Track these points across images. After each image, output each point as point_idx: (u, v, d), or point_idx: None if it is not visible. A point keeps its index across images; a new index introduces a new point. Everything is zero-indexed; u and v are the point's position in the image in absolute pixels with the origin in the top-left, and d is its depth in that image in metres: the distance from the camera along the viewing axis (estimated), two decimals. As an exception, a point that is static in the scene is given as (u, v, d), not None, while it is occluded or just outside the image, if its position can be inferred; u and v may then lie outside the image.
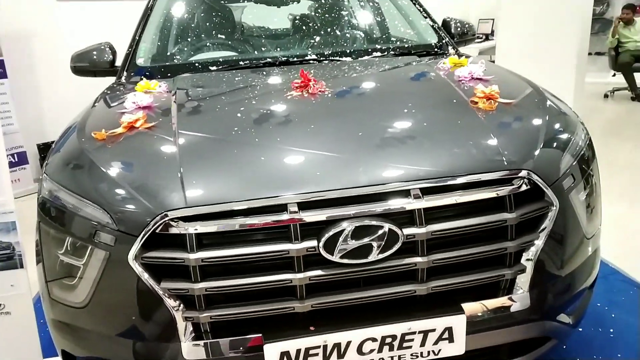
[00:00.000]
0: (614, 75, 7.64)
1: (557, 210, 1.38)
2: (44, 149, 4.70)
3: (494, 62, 5.42)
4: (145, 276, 1.24)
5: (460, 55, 2.21)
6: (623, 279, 2.55)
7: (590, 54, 8.88)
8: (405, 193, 1.29)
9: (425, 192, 1.29)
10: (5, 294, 1.79)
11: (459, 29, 2.67)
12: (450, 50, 2.44)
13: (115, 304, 1.32)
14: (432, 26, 2.58)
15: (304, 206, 1.26)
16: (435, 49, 2.41)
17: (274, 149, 1.44)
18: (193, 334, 1.29)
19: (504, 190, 1.32)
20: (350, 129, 1.50)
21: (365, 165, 1.35)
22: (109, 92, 2.10)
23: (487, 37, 8.15)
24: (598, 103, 7.29)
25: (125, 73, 2.30)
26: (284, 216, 1.24)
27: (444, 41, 2.49)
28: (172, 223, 1.24)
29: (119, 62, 2.47)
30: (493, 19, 8.50)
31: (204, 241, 1.26)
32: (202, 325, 1.28)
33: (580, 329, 2.18)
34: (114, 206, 1.31)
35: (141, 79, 2.00)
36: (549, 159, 1.43)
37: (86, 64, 2.45)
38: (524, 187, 1.35)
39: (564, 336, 1.59)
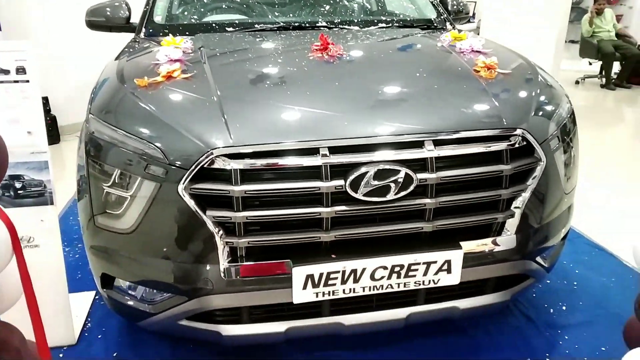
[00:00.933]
0: (590, 63, 7.97)
1: (544, 165, 1.62)
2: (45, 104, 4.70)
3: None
4: (192, 205, 1.42)
5: (459, 31, 2.41)
6: (587, 242, 2.87)
7: (565, 41, 9.27)
8: (420, 144, 1.50)
9: (437, 143, 1.51)
10: (35, 227, 1.92)
11: (454, 7, 2.87)
12: (448, 25, 2.63)
13: (161, 229, 1.49)
14: (432, 2, 2.77)
15: (333, 150, 1.45)
16: (435, 24, 2.60)
17: (305, 100, 1.62)
18: (230, 258, 1.48)
19: (502, 145, 1.55)
20: (370, 88, 1.70)
21: (387, 118, 1.55)
22: (131, 48, 2.21)
23: (469, 19, 8.38)
24: (569, 89, 7.66)
25: (144, 29, 2.41)
26: (317, 157, 1.43)
27: (442, 17, 2.68)
28: (219, 159, 1.42)
29: (133, 19, 2.57)
30: (475, 1, 8.73)
31: (245, 176, 1.44)
32: (239, 250, 1.47)
33: (549, 281, 2.49)
34: (166, 143, 1.47)
35: (162, 36, 2.13)
36: (539, 122, 1.66)
37: (102, 19, 2.53)
38: (518, 144, 1.58)
39: (540, 277, 1.85)
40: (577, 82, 7.87)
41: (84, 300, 2.28)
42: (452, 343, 2.03)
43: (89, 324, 2.15)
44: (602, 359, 1.94)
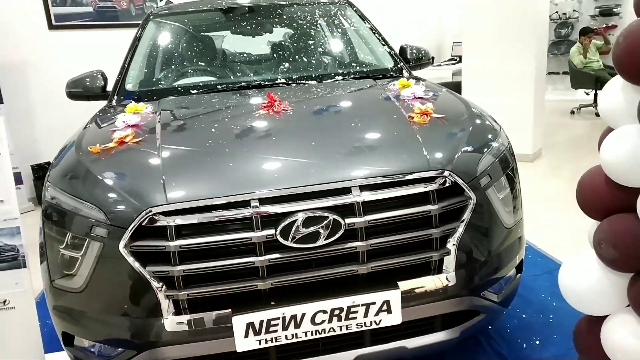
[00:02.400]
0: (588, 94, 8.01)
1: (475, 203, 1.68)
2: (38, 170, 4.96)
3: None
4: (132, 260, 1.51)
5: (413, 78, 2.54)
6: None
7: (557, 73, 9.42)
8: (347, 190, 1.58)
9: (363, 189, 1.59)
10: (10, 290, 2.03)
11: (414, 55, 3.01)
12: (405, 73, 2.77)
13: (107, 286, 1.58)
14: (389, 52, 2.92)
15: (263, 202, 1.55)
16: (391, 73, 2.74)
17: (240, 157, 1.73)
18: (173, 311, 1.55)
19: (427, 187, 1.62)
20: (305, 140, 1.81)
21: (315, 168, 1.65)
22: (101, 114, 2.38)
23: (461, 58, 8.59)
24: (565, 119, 7.71)
25: (115, 97, 2.59)
26: (247, 210, 1.53)
27: (398, 65, 2.82)
28: (155, 217, 1.52)
29: (109, 88, 2.77)
30: (461, 42, 8.96)
31: (182, 231, 1.53)
32: (181, 303, 1.55)
33: (524, 316, 2.48)
34: (108, 205, 1.59)
35: (130, 102, 2.30)
36: (467, 162, 1.74)
37: (80, 90, 2.74)
38: (446, 184, 1.65)
39: (493, 312, 1.87)
40: (572, 112, 7.92)
41: (63, 359, 2.35)
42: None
43: (66, 383, 2.21)
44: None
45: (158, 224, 1.52)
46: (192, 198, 1.55)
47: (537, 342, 2.26)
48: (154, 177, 1.64)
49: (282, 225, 1.52)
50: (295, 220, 1.52)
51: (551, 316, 2.47)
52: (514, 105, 5.16)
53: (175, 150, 1.81)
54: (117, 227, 1.54)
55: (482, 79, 5.40)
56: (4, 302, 2.05)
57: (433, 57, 8.44)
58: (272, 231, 1.52)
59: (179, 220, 1.52)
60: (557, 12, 9.40)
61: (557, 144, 6.12)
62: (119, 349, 1.63)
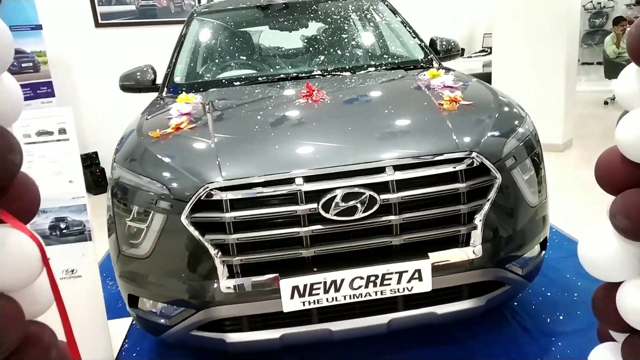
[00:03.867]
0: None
1: (500, 182, 1.82)
2: (85, 159, 5.28)
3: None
4: (193, 231, 1.72)
5: (443, 69, 2.68)
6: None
7: (591, 63, 9.29)
8: (382, 169, 1.75)
9: (397, 168, 1.76)
10: (78, 261, 2.28)
11: (444, 46, 3.14)
12: (435, 64, 2.90)
13: (170, 253, 1.80)
14: (420, 44, 3.06)
15: (307, 179, 1.73)
16: (422, 64, 2.88)
17: (284, 140, 1.92)
18: (227, 275, 1.76)
19: (456, 167, 1.78)
20: (342, 125, 1.99)
21: (352, 149, 1.82)
22: (155, 104, 2.61)
23: (492, 50, 8.57)
24: (598, 110, 7.64)
25: (165, 89, 2.82)
26: (292, 186, 1.72)
27: (429, 57, 2.96)
28: (212, 192, 1.73)
29: (158, 81, 3.01)
30: (491, 33, 8.93)
31: (235, 205, 1.73)
32: (234, 267, 1.75)
33: (549, 294, 2.60)
34: (170, 182, 1.80)
35: (180, 93, 2.51)
36: (493, 145, 1.88)
37: (132, 83, 2.98)
38: (474, 165, 1.80)
39: (517, 284, 2.01)
40: (605, 103, 7.83)
41: (122, 325, 2.61)
42: (447, 353, 2.18)
43: (126, 345, 2.46)
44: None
45: (214, 198, 1.72)
46: (244, 176, 1.75)
47: (561, 317, 2.38)
48: (209, 158, 1.84)
49: (324, 200, 1.70)
50: (335, 196, 1.70)
51: (575, 294, 2.58)
52: (544, 96, 5.20)
53: (226, 135, 2.01)
54: (179, 201, 1.75)
55: (512, 69, 5.45)
56: (72, 271, 2.30)
57: (463, 49, 8.47)
58: (314, 205, 1.70)
59: (233, 195, 1.72)
60: (591, 1, 9.27)
61: (588, 135, 6.10)
62: (179, 308, 1.84)
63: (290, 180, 1.74)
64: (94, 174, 5.28)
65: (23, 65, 4.83)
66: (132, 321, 2.62)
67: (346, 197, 1.70)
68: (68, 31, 5.36)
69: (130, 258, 1.90)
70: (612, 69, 7.81)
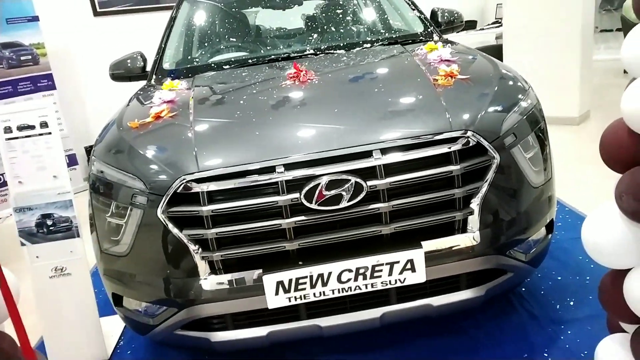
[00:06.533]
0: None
1: (498, 162, 1.68)
2: (88, 153, 5.25)
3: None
4: (169, 225, 1.63)
5: (442, 42, 2.51)
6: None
7: (611, 30, 8.87)
8: (368, 154, 1.63)
9: (384, 152, 1.63)
10: (66, 258, 2.22)
11: (446, 17, 2.96)
12: (435, 37, 2.73)
13: (149, 250, 1.72)
14: (419, 17, 2.89)
15: (288, 167, 1.62)
16: (421, 37, 2.72)
17: (265, 126, 1.81)
18: (209, 271, 1.67)
19: (449, 148, 1.64)
20: (327, 107, 1.86)
21: (337, 133, 1.70)
22: (140, 92, 2.52)
23: (495, 25, 8.24)
24: (618, 79, 7.29)
25: (154, 76, 2.72)
26: (272, 175, 1.61)
27: (429, 29, 2.79)
28: (189, 185, 1.63)
29: (149, 68, 2.90)
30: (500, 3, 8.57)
31: (214, 197, 1.64)
32: (216, 264, 1.66)
33: (560, 278, 2.46)
34: (147, 175, 1.71)
35: (166, 80, 2.41)
36: (491, 121, 1.73)
37: (122, 71, 2.89)
38: (469, 144, 1.66)
39: (520, 271, 1.88)
40: (625, 72, 7.46)
41: (117, 322, 2.56)
42: (451, 343, 2.08)
43: (121, 342, 2.41)
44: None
45: (192, 190, 1.63)
46: (221, 166, 1.64)
47: (572, 303, 2.25)
48: (187, 148, 1.74)
49: (306, 189, 1.59)
50: (318, 184, 1.59)
51: (587, 278, 2.43)
52: (558, 66, 4.95)
53: (207, 122, 1.90)
54: (155, 195, 1.66)
55: (524, 39, 5.19)
56: (61, 269, 2.25)
57: (475, 21, 8.16)
58: (296, 195, 1.59)
59: (210, 186, 1.62)
60: (609, -36, 8.83)
61: (607, 106, 5.83)
62: (162, 307, 1.77)
63: (270, 169, 1.63)
64: (97, 167, 5.24)
65: (22, 58, 4.78)
66: (126, 318, 2.57)
67: (330, 185, 1.59)
68: (66, 22, 5.28)
69: (112, 256, 1.83)
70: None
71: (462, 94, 1.86)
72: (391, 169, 1.63)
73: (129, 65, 2.89)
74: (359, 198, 1.60)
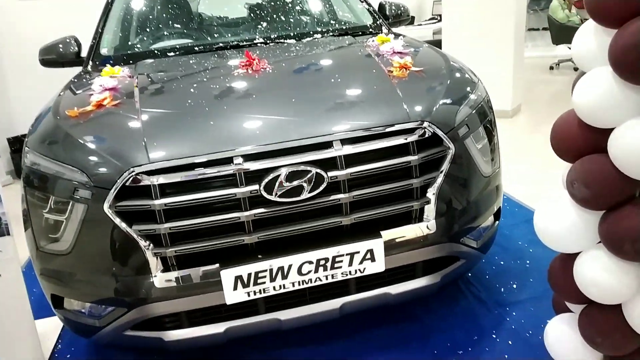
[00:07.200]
0: (570, 48, 8.00)
1: (453, 153, 1.72)
2: (14, 142, 4.87)
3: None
4: (117, 220, 1.53)
5: (391, 34, 2.53)
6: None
7: (537, 29, 9.41)
8: (328, 144, 1.60)
9: (344, 142, 1.61)
10: (-5, 259, 2.03)
11: (393, 11, 2.99)
12: (384, 29, 2.75)
13: (94, 247, 1.60)
14: (368, 9, 2.90)
15: (246, 158, 1.56)
16: (370, 30, 2.72)
17: (221, 115, 1.73)
18: (162, 268, 1.58)
19: (407, 138, 1.65)
20: (285, 97, 1.82)
21: (296, 123, 1.66)
22: (76, 79, 2.34)
23: (442, 17, 8.49)
24: (544, 75, 7.75)
25: (91, 62, 2.54)
26: (230, 167, 1.54)
27: (377, 22, 2.80)
28: (139, 177, 1.53)
29: (83, 53, 2.71)
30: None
31: (166, 190, 1.55)
32: (169, 260, 1.58)
33: (502, 262, 2.58)
34: (90, 167, 1.59)
35: (105, 67, 2.25)
36: (445, 113, 1.77)
37: (53, 56, 2.67)
38: (425, 135, 1.68)
39: (472, 258, 1.94)
40: (551, 68, 7.96)
41: (54, 323, 2.38)
42: (403, 329, 2.12)
43: (59, 346, 2.25)
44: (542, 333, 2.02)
45: (142, 183, 1.53)
46: (175, 157, 1.56)
47: (515, 286, 2.36)
48: (134, 138, 1.63)
49: (266, 180, 1.54)
50: (278, 175, 1.54)
51: (527, 262, 2.57)
52: (493, 62, 5.17)
53: (155, 111, 1.80)
54: (101, 188, 1.54)
55: (461, 36, 5.39)
56: (-10, 270, 2.05)
57: (413, 17, 8.37)
58: (256, 186, 1.54)
59: (163, 179, 1.53)
60: (536, -33, 9.34)
61: (536, 100, 6.18)
62: (109, 307, 1.66)
63: (227, 160, 1.56)
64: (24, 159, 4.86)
65: None
66: (65, 320, 2.40)
67: (290, 176, 1.55)
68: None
69: (50, 254, 1.69)
70: (563, 33, 7.87)
71: (416, 85, 1.88)
72: (350, 160, 1.62)
73: (61, 50, 2.68)
74: (319, 189, 1.58)
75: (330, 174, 1.58)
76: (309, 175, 1.56)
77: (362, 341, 2.06)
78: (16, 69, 5.02)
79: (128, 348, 1.92)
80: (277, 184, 1.54)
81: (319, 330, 2.11)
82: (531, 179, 3.74)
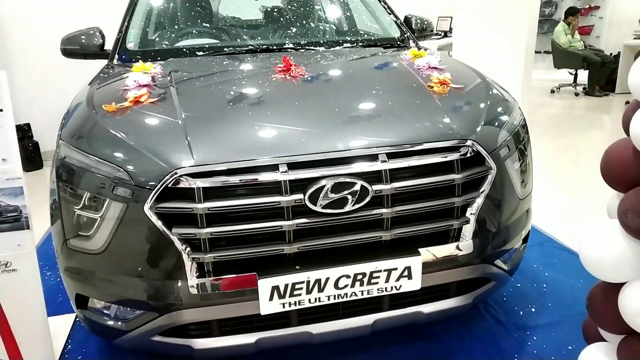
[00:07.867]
0: (571, 73, 8.11)
1: (495, 173, 1.71)
2: (17, 131, 4.74)
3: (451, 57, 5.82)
4: (159, 223, 1.48)
5: (419, 48, 2.53)
6: (556, 245, 2.96)
7: (539, 52, 9.51)
8: (375, 157, 1.58)
9: (391, 156, 1.59)
10: (12, 252, 1.96)
11: (419, 25, 3.00)
12: (411, 43, 2.75)
13: (130, 248, 1.55)
14: (396, 22, 2.89)
15: (292, 166, 1.53)
16: (398, 42, 2.72)
17: (266, 119, 1.70)
18: (197, 273, 1.54)
19: (452, 156, 1.64)
20: (329, 106, 1.79)
21: (343, 134, 1.64)
22: (104, 73, 2.29)
23: (446, 34, 8.57)
24: (545, 98, 7.85)
25: (117, 56, 2.49)
26: (276, 174, 1.51)
27: (405, 35, 2.80)
28: (182, 179, 1.49)
29: (107, 46, 2.66)
30: (452, 17, 8.95)
31: (208, 194, 1.51)
32: (205, 265, 1.54)
33: (519, 285, 2.57)
34: (131, 166, 1.54)
35: (133, 62, 2.21)
36: (489, 133, 1.76)
37: (76, 47, 2.62)
38: (469, 154, 1.67)
39: (501, 280, 1.93)
40: (552, 91, 8.05)
41: (64, 322, 2.32)
42: (424, 348, 2.09)
43: (69, 346, 2.18)
44: (566, 359, 2.01)
45: (184, 185, 1.49)
46: (220, 160, 1.52)
47: (533, 310, 2.35)
48: (178, 138, 1.59)
49: (311, 190, 1.51)
50: (324, 186, 1.51)
51: (544, 285, 2.56)
52: (502, 83, 5.20)
53: (195, 112, 1.76)
54: (142, 188, 1.50)
55: (470, 55, 5.42)
56: (6, 264, 1.98)
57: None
58: (300, 196, 1.51)
59: (207, 182, 1.49)
60: (541, -9, 9.45)
61: (537, 122, 6.24)
62: (138, 311, 1.61)
63: (272, 167, 1.53)
64: (26, 149, 4.75)
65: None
66: (76, 318, 2.33)
67: (336, 188, 1.52)
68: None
69: (79, 252, 1.63)
70: (564, 58, 7.98)
71: (458, 102, 1.87)
72: (394, 174, 1.60)
73: (83, 41, 2.63)
74: (363, 202, 1.55)
75: (375, 187, 1.56)
76: (354, 188, 1.53)
77: (381, 357, 2.03)
78: (22, 55, 4.93)
79: (154, 354, 1.86)
80: (322, 194, 1.52)
81: (335, 345, 2.08)
82: (538, 201, 3.76)
